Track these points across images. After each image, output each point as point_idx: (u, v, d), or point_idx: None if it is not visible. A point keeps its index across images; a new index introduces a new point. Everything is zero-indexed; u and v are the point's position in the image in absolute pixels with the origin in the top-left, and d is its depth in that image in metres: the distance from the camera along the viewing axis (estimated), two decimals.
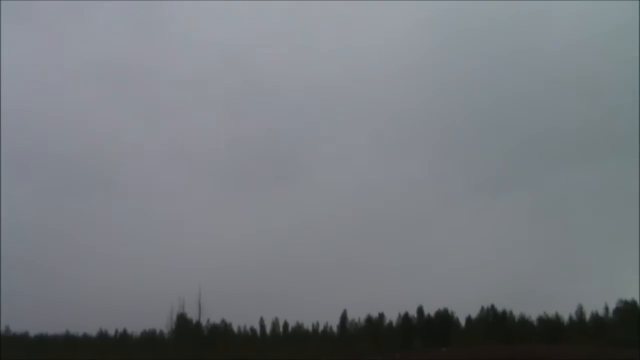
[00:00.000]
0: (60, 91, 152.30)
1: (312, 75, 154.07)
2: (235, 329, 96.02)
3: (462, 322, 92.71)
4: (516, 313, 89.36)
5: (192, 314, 59.24)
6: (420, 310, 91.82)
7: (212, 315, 74.05)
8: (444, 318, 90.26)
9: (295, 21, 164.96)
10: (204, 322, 69.37)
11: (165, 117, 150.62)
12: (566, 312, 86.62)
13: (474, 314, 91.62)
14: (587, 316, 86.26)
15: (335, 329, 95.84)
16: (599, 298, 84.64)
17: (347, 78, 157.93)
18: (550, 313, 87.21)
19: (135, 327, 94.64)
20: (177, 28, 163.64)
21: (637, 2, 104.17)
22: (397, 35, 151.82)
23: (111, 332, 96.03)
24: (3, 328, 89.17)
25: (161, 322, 64.64)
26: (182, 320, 61.04)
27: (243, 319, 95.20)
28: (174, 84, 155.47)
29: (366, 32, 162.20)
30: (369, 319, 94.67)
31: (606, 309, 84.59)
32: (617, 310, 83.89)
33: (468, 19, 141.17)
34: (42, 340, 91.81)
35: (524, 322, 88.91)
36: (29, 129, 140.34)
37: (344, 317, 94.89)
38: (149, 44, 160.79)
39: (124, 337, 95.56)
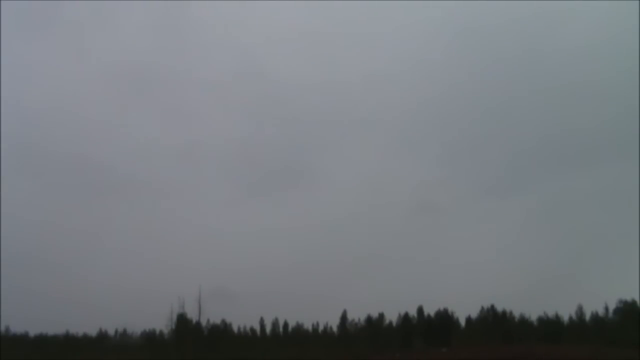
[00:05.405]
0: (79, 92, 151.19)
1: (327, 77, 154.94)
2: (235, 329, 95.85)
3: (462, 322, 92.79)
4: (516, 313, 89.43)
5: (192, 314, 59.20)
6: (420, 310, 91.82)
7: (212, 315, 74.12)
8: (444, 318, 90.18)
9: (311, 24, 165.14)
10: (204, 322, 69.62)
11: (181, 118, 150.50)
12: (566, 312, 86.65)
13: (474, 314, 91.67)
14: (587, 316, 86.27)
15: (335, 329, 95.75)
16: (599, 298, 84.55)
17: (359, 79, 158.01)
18: (550, 313, 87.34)
19: (135, 327, 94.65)
20: (196, 30, 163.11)
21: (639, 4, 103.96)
22: (408, 36, 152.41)
23: (111, 332, 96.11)
24: (3, 328, 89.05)
25: (161, 322, 64.60)
26: (182, 320, 61.00)
27: (243, 319, 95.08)
28: (191, 85, 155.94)
29: (377, 33, 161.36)
30: (369, 319, 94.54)
31: (606, 309, 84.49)
32: (617, 310, 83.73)
33: (477, 21, 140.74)
34: (42, 340, 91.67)
35: (524, 322, 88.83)
36: (47, 129, 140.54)
37: (344, 317, 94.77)
38: (167, 46, 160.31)
39: (124, 337, 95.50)
